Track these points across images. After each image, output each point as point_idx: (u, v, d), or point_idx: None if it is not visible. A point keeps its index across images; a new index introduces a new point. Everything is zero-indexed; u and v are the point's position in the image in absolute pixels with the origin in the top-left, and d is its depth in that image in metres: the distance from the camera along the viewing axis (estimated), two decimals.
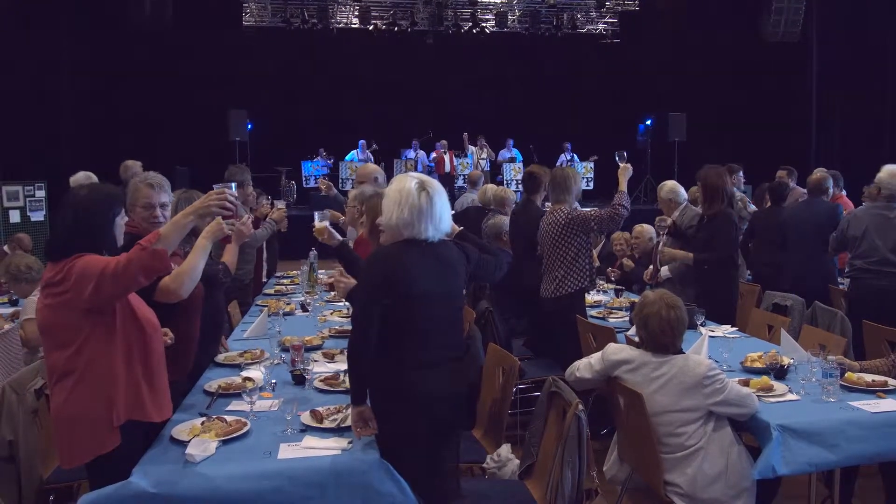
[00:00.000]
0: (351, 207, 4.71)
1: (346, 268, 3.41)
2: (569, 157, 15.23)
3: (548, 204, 5.20)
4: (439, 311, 2.85)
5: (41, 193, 10.66)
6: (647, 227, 6.44)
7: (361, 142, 14.92)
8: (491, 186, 7.54)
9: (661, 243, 5.59)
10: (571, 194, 4.95)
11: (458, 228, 3.30)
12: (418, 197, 2.82)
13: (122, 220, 2.83)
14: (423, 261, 2.83)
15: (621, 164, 5.01)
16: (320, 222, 3.69)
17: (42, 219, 10.56)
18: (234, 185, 3.04)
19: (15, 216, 10.30)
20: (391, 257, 2.84)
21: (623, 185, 4.89)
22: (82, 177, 6.42)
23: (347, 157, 14.91)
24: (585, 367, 3.41)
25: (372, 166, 6.00)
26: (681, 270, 5.29)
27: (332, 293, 5.70)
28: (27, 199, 10.51)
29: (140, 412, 2.71)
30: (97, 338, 2.64)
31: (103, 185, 2.97)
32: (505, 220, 6.05)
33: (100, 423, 2.63)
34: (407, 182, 2.88)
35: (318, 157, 15.13)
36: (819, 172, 6.31)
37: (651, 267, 5.74)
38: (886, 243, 5.09)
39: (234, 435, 2.80)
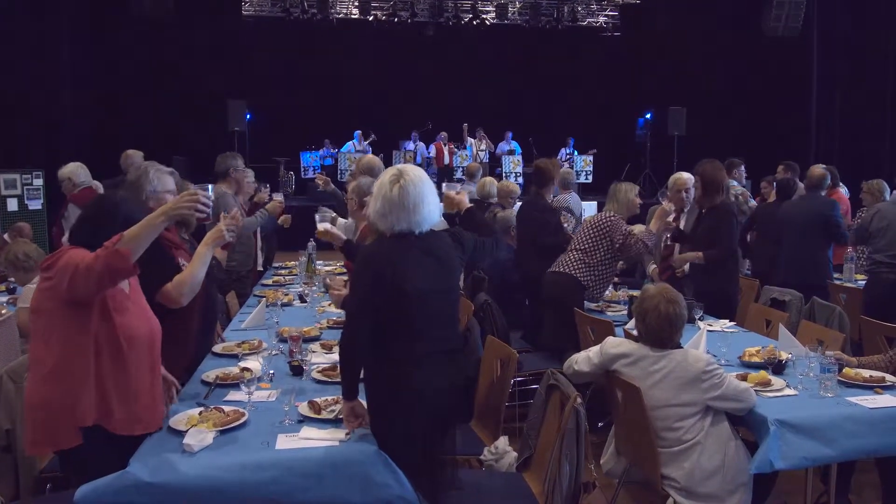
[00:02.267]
0: (350, 200, 4.70)
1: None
2: (569, 151, 15.22)
3: (557, 199, 5.27)
4: (433, 305, 2.82)
5: (39, 182, 10.62)
6: (641, 229, 6.42)
7: (357, 133, 14.89)
8: (490, 179, 7.53)
9: (666, 238, 5.59)
10: (620, 204, 5.15)
11: (467, 205, 3.31)
12: (390, 189, 2.80)
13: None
14: (415, 256, 2.81)
15: (663, 201, 5.24)
16: (321, 223, 3.71)
17: (39, 207, 10.52)
18: (210, 187, 2.98)
19: (12, 204, 10.27)
20: (382, 255, 2.82)
21: (654, 227, 5.11)
22: (74, 167, 6.40)
23: (343, 149, 14.89)
24: (584, 360, 3.42)
25: (370, 157, 5.97)
26: (684, 267, 5.31)
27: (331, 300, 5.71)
28: (24, 187, 10.47)
29: (108, 422, 2.63)
30: (70, 332, 2.60)
31: (131, 197, 3.00)
32: (512, 214, 6.07)
33: (62, 419, 2.58)
34: (386, 174, 2.88)
35: (324, 148, 15.11)
36: (818, 169, 6.31)
37: (654, 267, 5.74)
38: None
39: (232, 425, 2.79)
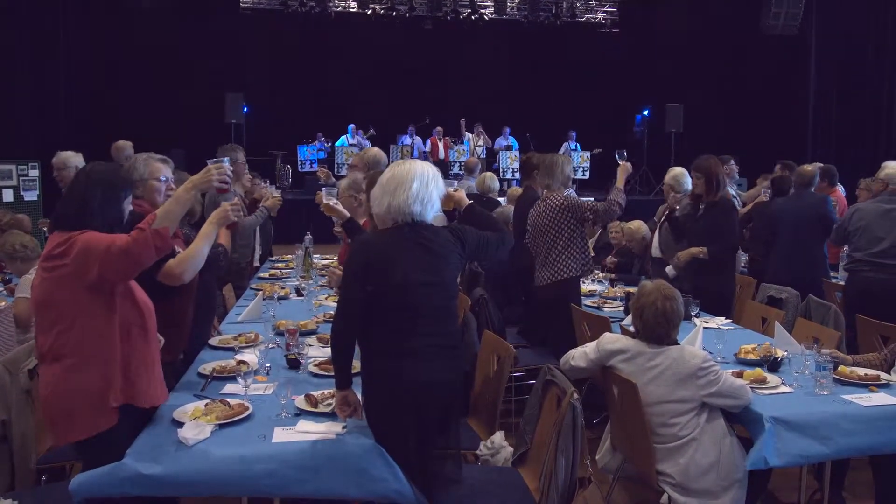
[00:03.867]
0: (347, 197, 4.67)
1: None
2: (572, 147, 15.18)
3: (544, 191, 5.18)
4: (426, 299, 2.81)
5: (35, 173, 10.60)
6: (639, 224, 6.42)
7: (351, 126, 14.86)
8: (490, 174, 7.55)
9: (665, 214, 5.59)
10: (555, 179, 4.95)
11: (467, 202, 3.31)
12: (385, 173, 2.91)
13: (128, 204, 2.83)
14: (407, 248, 2.81)
15: (621, 163, 5.10)
16: (328, 198, 3.71)
17: (35, 198, 10.51)
18: (227, 160, 3.08)
19: (8, 195, 10.25)
20: (372, 244, 2.85)
21: (620, 183, 4.97)
22: (77, 156, 6.35)
23: (338, 143, 14.87)
24: (580, 356, 3.42)
25: (375, 150, 5.94)
26: (681, 265, 5.28)
27: (326, 278, 5.70)
28: (20, 178, 10.45)
29: (136, 398, 2.71)
30: (96, 315, 2.62)
31: (117, 166, 2.98)
32: (511, 209, 6.09)
33: (95, 403, 2.62)
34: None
35: (317, 142, 15.07)
36: (809, 166, 6.30)
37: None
38: (888, 235, 5.11)
39: (235, 419, 2.79)
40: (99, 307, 2.63)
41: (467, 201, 3.34)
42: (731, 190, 7.14)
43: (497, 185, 7.32)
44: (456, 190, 3.45)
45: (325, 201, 3.73)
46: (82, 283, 2.58)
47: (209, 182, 2.93)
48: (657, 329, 3.18)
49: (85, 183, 2.74)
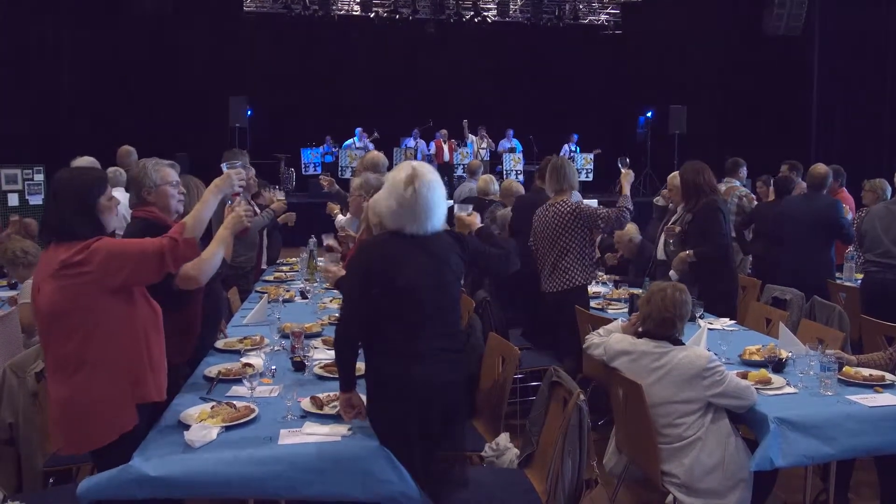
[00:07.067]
0: (357, 196, 4.67)
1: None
2: (572, 149, 15.20)
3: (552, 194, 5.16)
4: (429, 302, 2.82)
5: (40, 177, 10.63)
6: (628, 227, 6.40)
7: (358, 129, 14.90)
8: (491, 177, 7.53)
9: (670, 244, 5.58)
10: (565, 182, 4.94)
11: (478, 225, 3.30)
12: (404, 190, 2.79)
13: (106, 201, 2.76)
14: (410, 252, 2.82)
15: (623, 170, 5.12)
16: (332, 265, 3.64)
17: (40, 202, 10.52)
18: (239, 164, 3.19)
19: (13, 199, 10.28)
20: (375, 248, 2.87)
21: (626, 190, 4.97)
22: (86, 162, 6.38)
23: (345, 145, 14.90)
24: (595, 345, 3.51)
25: (374, 154, 5.95)
26: (684, 269, 5.28)
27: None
28: (25, 182, 10.48)
29: (156, 393, 2.79)
30: (120, 318, 2.66)
31: (88, 168, 2.99)
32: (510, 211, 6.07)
33: (120, 404, 2.66)
34: (400, 172, 2.86)
35: (326, 144, 15.10)
36: (820, 167, 6.27)
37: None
38: (888, 236, 5.12)
39: (241, 421, 2.80)
40: (122, 310, 2.68)
41: (479, 224, 3.34)
42: (744, 189, 7.15)
43: (497, 187, 7.28)
44: (469, 214, 3.44)
45: (331, 267, 3.67)
46: (105, 287, 2.60)
47: (232, 186, 3.10)
48: (663, 314, 3.19)
49: (54, 193, 2.73)
